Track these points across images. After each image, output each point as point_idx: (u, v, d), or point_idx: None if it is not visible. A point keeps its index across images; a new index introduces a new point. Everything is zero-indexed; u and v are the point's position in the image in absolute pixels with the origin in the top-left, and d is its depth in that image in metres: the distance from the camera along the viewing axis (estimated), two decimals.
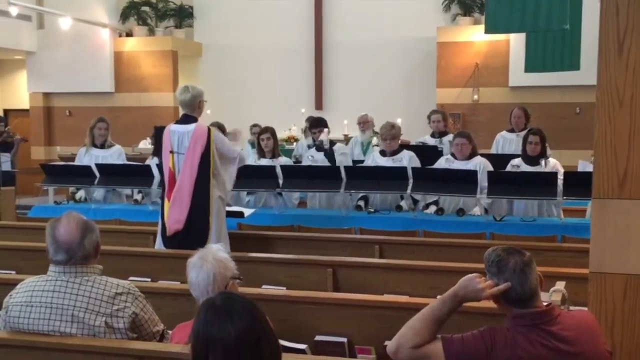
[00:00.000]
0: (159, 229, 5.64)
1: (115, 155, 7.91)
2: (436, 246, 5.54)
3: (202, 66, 14.89)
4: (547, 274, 2.92)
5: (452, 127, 12.15)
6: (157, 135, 7.77)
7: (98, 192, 7.83)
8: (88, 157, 7.84)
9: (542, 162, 6.78)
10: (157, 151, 7.58)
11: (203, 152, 5.46)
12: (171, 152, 5.53)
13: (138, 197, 7.81)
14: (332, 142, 7.97)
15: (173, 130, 5.59)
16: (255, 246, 5.68)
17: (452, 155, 7.05)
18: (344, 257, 5.08)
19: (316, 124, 7.95)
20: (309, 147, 8.31)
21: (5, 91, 16.31)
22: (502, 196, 6.57)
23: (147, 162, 8.09)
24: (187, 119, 5.61)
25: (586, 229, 5.48)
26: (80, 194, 8.02)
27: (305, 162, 7.83)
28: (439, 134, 8.79)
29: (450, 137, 8.52)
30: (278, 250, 5.76)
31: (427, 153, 7.67)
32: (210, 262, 3.07)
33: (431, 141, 8.80)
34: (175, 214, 5.45)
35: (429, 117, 9.06)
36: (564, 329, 2.58)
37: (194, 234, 5.39)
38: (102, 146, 7.91)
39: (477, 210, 6.71)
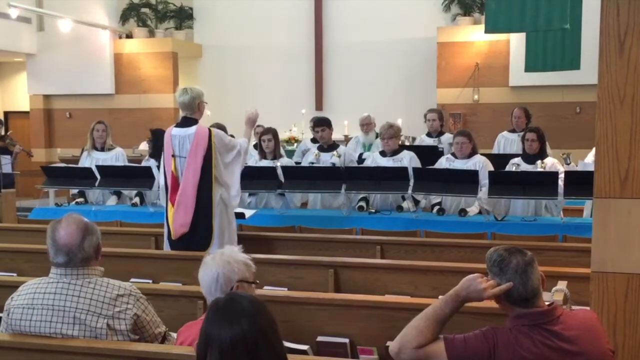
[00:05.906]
0: (165, 232, 5.65)
1: (115, 158, 7.93)
2: (437, 246, 5.53)
3: (202, 68, 14.88)
4: (548, 273, 2.92)
5: (453, 127, 12.16)
6: (155, 138, 7.82)
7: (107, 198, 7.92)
8: (89, 160, 7.87)
9: (538, 163, 6.78)
10: (156, 153, 7.61)
11: (205, 154, 5.46)
12: (173, 155, 5.52)
13: (136, 200, 7.76)
14: (335, 144, 7.96)
15: (174, 134, 5.57)
16: (256, 247, 5.66)
17: (452, 154, 7.05)
18: (346, 258, 5.08)
19: (319, 123, 7.95)
20: (315, 146, 8.26)
21: (6, 93, 16.32)
22: (503, 196, 6.56)
23: (143, 163, 8.09)
24: (188, 121, 5.59)
25: (587, 228, 5.49)
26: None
27: (310, 158, 7.80)
28: (436, 134, 8.75)
29: (448, 136, 8.52)
30: (279, 251, 5.76)
31: (428, 153, 7.65)
32: (217, 262, 3.02)
33: (428, 141, 8.75)
34: (180, 217, 5.46)
35: (425, 116, 9.03)
36: (567, 329, 2.58)
37: (198, 236, 5.43)
38: (103, 149, 7.94)
39: (474, 209, 6.71)
